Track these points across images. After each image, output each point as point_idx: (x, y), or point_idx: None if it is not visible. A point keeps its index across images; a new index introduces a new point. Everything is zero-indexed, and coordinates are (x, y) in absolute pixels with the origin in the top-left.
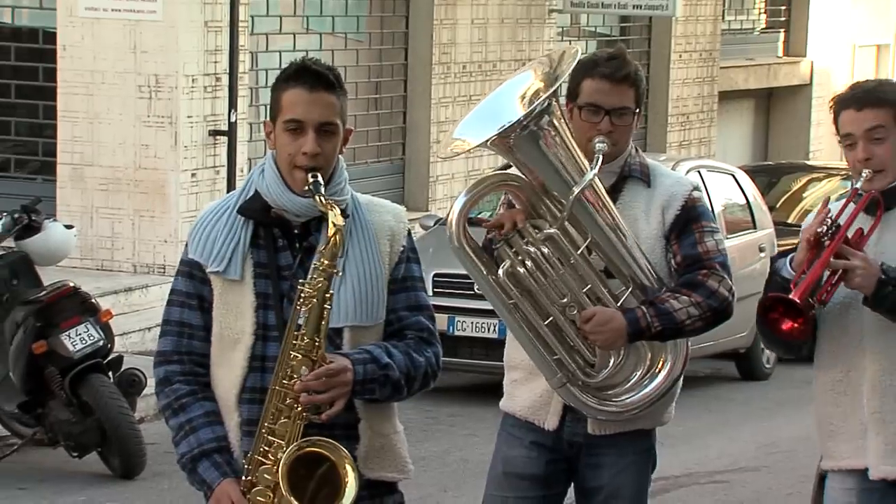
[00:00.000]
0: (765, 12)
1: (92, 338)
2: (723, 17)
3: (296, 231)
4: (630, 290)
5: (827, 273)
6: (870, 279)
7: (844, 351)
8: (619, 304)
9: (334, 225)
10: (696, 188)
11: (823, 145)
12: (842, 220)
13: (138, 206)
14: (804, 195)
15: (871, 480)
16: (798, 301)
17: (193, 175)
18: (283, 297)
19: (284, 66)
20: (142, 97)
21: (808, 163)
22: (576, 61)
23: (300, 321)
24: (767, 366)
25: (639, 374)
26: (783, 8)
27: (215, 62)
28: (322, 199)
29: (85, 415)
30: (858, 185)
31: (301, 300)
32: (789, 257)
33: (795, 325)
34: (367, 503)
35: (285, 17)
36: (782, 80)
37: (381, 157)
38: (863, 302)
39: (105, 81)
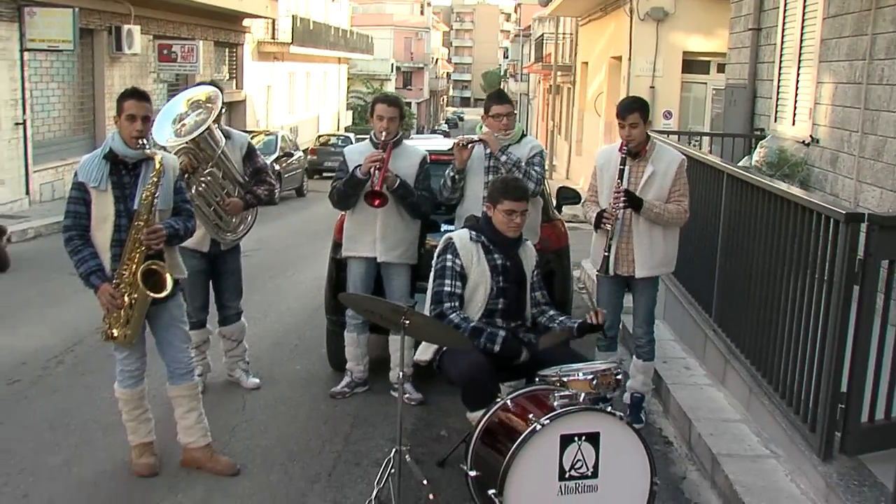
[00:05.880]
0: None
1: None
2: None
3: (130, 167)
4: (237, 187)
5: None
6: (392, 180)
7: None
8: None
9: (160, 162)
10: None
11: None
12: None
13: None
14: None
15: (377, 264)
16: (380, 189)
17: None
18: (126, 198)
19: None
20: None
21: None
22: (219, 98)
23: (142, 208)
24: (278, 201)
25: (241, 225)
26: None
27: None
28: (150, 151)
29: None
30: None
31: (143, 196)
32: (356, 167)
33: (377, 200)
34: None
35: None
36: None
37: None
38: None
39: None
